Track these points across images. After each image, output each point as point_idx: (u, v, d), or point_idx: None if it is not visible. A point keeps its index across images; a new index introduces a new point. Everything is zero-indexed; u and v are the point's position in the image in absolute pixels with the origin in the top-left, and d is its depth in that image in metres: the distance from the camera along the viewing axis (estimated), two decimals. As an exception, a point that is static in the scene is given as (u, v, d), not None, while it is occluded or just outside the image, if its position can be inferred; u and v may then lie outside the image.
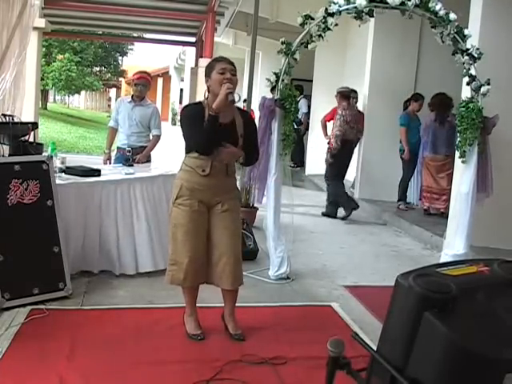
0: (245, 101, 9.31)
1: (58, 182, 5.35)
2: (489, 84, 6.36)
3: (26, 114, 8.88)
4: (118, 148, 7.66)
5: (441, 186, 9.43)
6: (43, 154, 5.46)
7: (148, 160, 7.57)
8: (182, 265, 4.48)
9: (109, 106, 54.38)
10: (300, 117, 15.86)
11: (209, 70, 4.48)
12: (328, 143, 10.97)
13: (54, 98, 54.14)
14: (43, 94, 34.79)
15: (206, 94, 4.52)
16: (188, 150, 4.52)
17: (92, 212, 5.68)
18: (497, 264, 2.67)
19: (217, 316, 4.76)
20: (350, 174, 11.48)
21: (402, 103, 10.49)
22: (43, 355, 4.10)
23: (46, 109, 35.01)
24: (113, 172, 6.42)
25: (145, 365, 4.07)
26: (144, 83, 7.53)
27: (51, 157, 5.38)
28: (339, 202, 9.92)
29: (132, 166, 6.81)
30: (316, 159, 14.37)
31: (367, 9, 6.08)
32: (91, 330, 4.62)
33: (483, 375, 2.27)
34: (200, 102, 4.56)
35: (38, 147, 5.45)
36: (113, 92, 56.00)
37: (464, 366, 2.27)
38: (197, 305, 4.72)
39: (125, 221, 5.95)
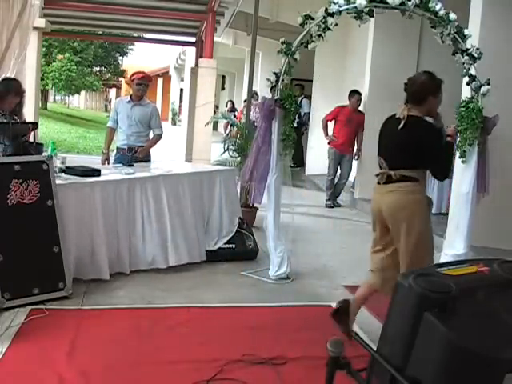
0: (245, 101, 9.33)
1: (58, 182, 5.35)
2: (489, 84, 6.35)
3: (26, 114, 8.88)
4: (117, 148, 7.66)
5: None
6: (43, 153, 5.46)
7: (148, 160, 7.57)
8: None
9: (106, 106, 54.29)
10: (302, 116, 15.85)
11: (436, 90, 4.80)
12: (328, 143, 10.97)
13: (54, 98, 54.17)
14: (43, 94, 34.79)
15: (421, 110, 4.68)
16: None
17: (92, 212, 5.67)
18: (497, 264, 2.67)
19: (216, 316, 4.77)
20: (351, 174, 11.47)
21: (403, 103, 10.44)
22: (43, 355, 4.11)
23: (46, 109, 35.01)
24: (113, 172, 6.42)
25: (145, 365, 4.07)
26: (147, 82, 7.58)
27: (51, 157, 5.38)
28: None
29: (132, 166, 6.80)
30: (316, 159, 14.35)
31: (367, 9, 6.07)
32: (91, 329, 4.62)
33: (483, 375, 2.27)
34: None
35: (38, 147, 5.45)
36: (113, 92, 55.97)
37: (464, 365, 2.27)
38: (198, 305, 4.72)
39: (124, 221, 5.95)
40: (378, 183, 4.72)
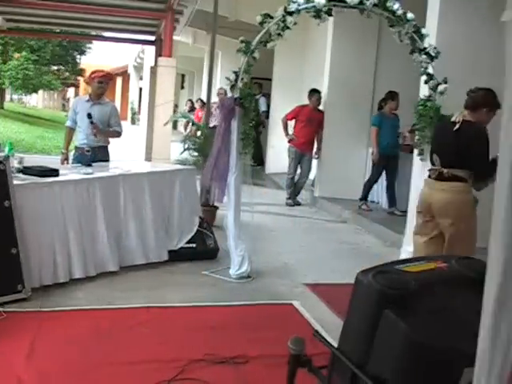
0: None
1: (15, 182, 5.26)
2: (446, 82, 6.43)
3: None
4: (76, 147, 7.57)
5: None
6: (0, 154, 5.38)
7: (107, 159, 7.50)
8: None
9: (64, 105, 53.69)
10: (260, 114, 15.84)
11: (492, 106, 5.06)
12: (289, 141, 11.00)
13: (11, 98, 53.33)
14: (0, 93, 34.25)
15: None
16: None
17: (50, 212, 5.58)
18: (455, 260, 2.71)
19: (177, 315, 4.74)
20: (311, 173, 11.53)
21: (367, 103, 10.48)
22: (1, 358, 4.04)
23: (2, 108, 34.44)
24: (71, 172, 6.35)
25: (105, 365, 4.04)
26: (108, 81, 7.52)
27: (8, 157, 5.29)
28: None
29: (91, 165, 6.73)
30: (276, 158, 14.39)
31: (326, 8, 6.10)
32: (51, 331, 4.57)
33: (442, 370, 2.30)
34: None
35: (-6, 147, 5.38)
36: (71, 91, 55.34)
37: (423, 361, 2.29)
38: (157, 305, 4.68)
39: (85, 221, 5.88)
40: (429, 177, 5.27)
